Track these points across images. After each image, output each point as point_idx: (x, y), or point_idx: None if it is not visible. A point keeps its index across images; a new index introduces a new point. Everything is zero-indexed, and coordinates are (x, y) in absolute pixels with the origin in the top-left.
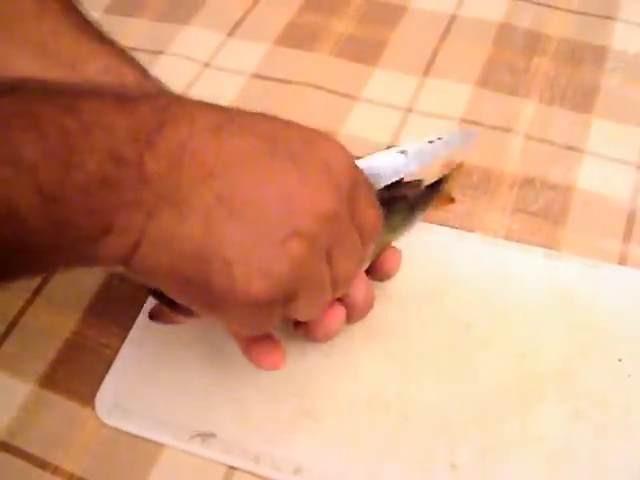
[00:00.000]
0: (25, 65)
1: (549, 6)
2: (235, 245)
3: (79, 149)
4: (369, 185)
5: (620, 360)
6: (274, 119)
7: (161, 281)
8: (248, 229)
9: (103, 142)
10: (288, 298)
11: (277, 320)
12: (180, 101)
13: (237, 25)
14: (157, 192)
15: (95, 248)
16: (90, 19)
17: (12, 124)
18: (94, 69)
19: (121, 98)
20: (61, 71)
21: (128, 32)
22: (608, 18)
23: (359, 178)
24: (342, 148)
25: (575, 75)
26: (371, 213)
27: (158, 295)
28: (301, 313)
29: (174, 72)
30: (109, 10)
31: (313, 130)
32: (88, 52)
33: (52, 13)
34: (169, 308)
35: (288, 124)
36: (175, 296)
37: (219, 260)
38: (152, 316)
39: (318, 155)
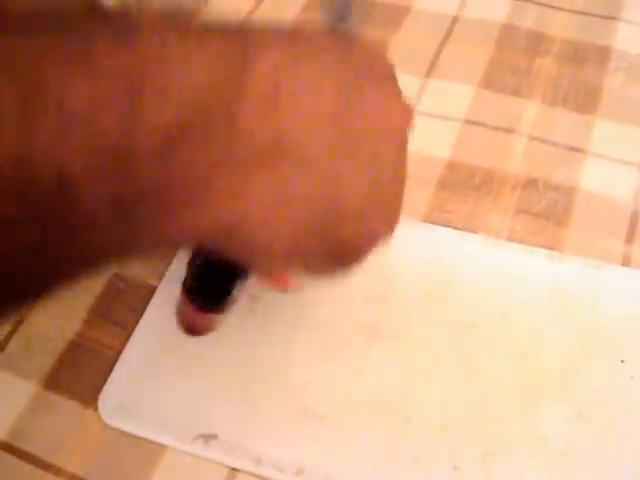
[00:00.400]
0: None
1: (552, 6)
2: (361, 191)
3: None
4: None
5: (623, 361)
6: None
7: (270, 251)
8: (365, 172)
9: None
10: None
11: None
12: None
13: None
14: (254, 146)
15: (179, 221)
16: None
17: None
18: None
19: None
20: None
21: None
22: (611, 18)
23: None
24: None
25: (578, 76)
26: None
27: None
28: None
29: None
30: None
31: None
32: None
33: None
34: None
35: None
36: (280, 264)
37: (350, 212)
38: (193, 330)
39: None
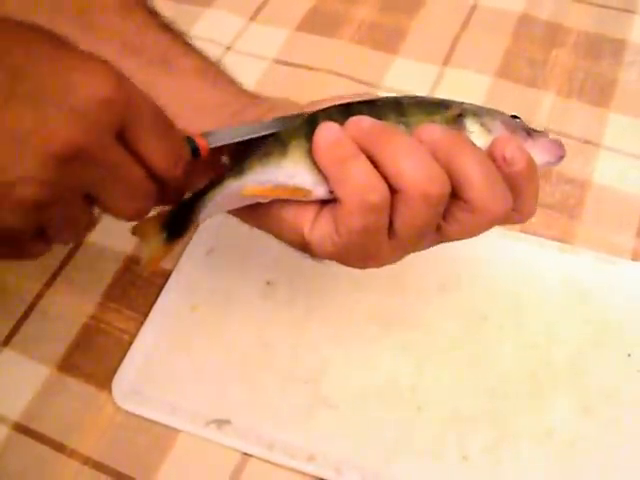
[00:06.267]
0: (113, 62)
1: None
2: None
3: None
4: (156, 115)
5: (629, 355)
6: (39, 42)
7: None
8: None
9: None
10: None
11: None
12: None
13: (259, 9)
14: None
15: None
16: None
17: None
18: (187, 67)
19: None
20: (154, 68)
21: None
22: (627, 11)
23: (134, 112)
24: (104, 76)
25: (593, 68)
26: (158, 144)
27: None
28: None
29: None
30: None
31: (73, 59)
32: (174, 48)
33: (132, 6)
34: None
35: (47, 51)
36: None
37: None
38: None
39: (69, 89)
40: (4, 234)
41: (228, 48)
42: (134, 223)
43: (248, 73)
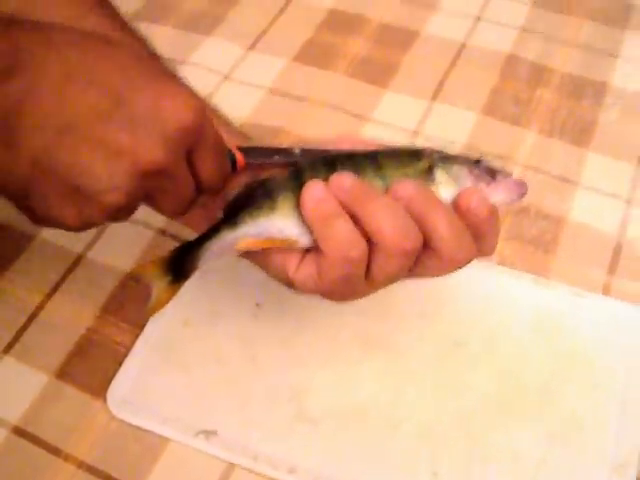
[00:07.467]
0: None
1: (556, 39)
2: (56, 189)
3: None
4: (216, 139)
5: (596, 384)
6: (133, 70)
7: None
8: (65, 182)
9: None
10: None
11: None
12: (36, 39)
13: (258, 39)
14: None
15: None
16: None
17: None
18: None
19: None
20: None
21: (152, 39)
22: (610, 55)
23: (204, 135)
24: (188, 106)
25: (575, 108)
26: (213, 164)
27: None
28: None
29: (194, 82)
30: (137, 16)
31: (164, 88)
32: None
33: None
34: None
35: (141, 79)
36: None
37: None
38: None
39: (159, 116)
40: (85, 227)
41: (226, 76)
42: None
43: (244, 101)
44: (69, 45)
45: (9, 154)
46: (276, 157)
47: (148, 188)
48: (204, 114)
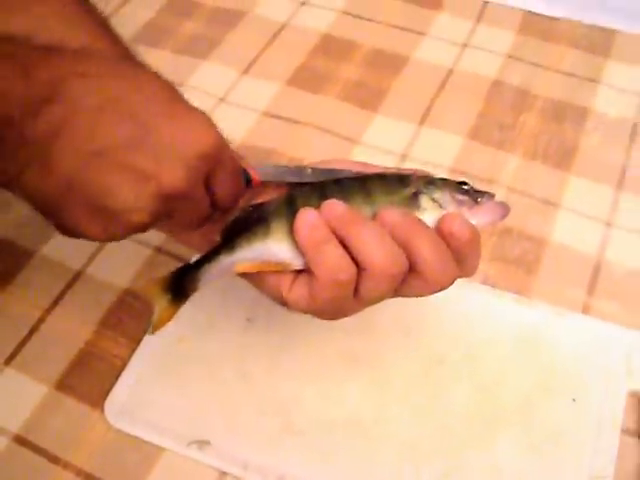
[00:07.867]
0: None
1: (540, 65)
2: (83, 207)
3: None
4: (233, 165)
5: (574, 400)
6: (158, 100)
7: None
8: (94, 201)
9: None
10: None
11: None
12: (74, 69)
13: (252, 63)
14: (31, 153)
15: None
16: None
17: None
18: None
19: (25, 63)
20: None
21: (151, 63)
22: (591, 81)
23: (221, 160)
24: (208, 135)
25: (557, 133)
26: (229, 186)
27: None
28: None
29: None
30: (136, 39)
31: (185, 117)
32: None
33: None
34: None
35: (165, 107)
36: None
37: (66, 213)
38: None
39: (181, 144)
40: (108, 240)
41: (221, 99)
42: (129, 236)
43: (239, 124)
44: (103, 77)
45: (45, 173)
46: (289, 177)
47: (169, 209)
48: (222, 141)
